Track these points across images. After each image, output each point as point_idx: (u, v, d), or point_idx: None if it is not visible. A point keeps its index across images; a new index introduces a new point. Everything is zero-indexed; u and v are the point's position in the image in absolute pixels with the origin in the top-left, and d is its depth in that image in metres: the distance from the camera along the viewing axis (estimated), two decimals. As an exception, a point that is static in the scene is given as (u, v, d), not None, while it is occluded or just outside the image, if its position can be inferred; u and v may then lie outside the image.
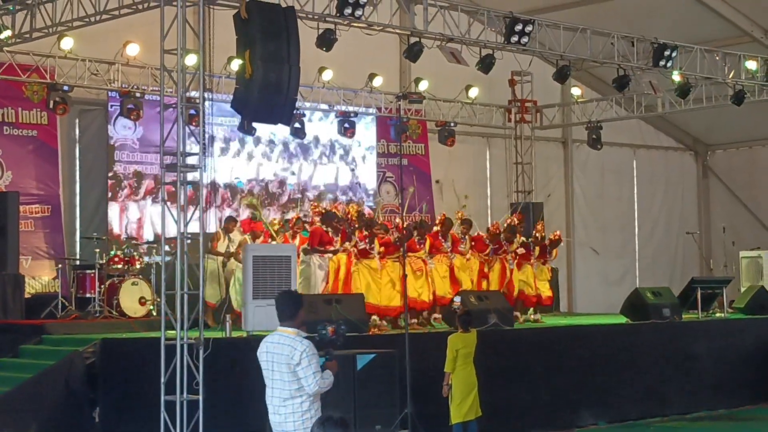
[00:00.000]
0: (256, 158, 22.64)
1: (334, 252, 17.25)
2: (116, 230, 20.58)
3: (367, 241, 17.38)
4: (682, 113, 26.69)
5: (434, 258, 18.42)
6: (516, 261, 19.76)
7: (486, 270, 19.24)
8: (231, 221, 18.67)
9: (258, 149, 22.62)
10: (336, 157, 23.79)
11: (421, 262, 18.06)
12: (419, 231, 18.36)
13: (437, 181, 25.33)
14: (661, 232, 29.98)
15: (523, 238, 20.26)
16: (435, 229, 18.89)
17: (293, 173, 23.11)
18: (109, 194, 20.64)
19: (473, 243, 19.18)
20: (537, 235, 20.49)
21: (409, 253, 17.80)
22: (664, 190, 30.23)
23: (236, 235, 18.03)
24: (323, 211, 18.05)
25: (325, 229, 17.40)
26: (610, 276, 28.52)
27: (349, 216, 17.76)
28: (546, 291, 20.28)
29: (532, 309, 19.92)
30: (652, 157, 30.01)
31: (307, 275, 17.34)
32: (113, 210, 20.69)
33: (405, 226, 18.04)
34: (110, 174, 20.68)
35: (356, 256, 17.30)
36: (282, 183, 22.95)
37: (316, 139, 23.44)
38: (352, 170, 23.99)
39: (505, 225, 20.04)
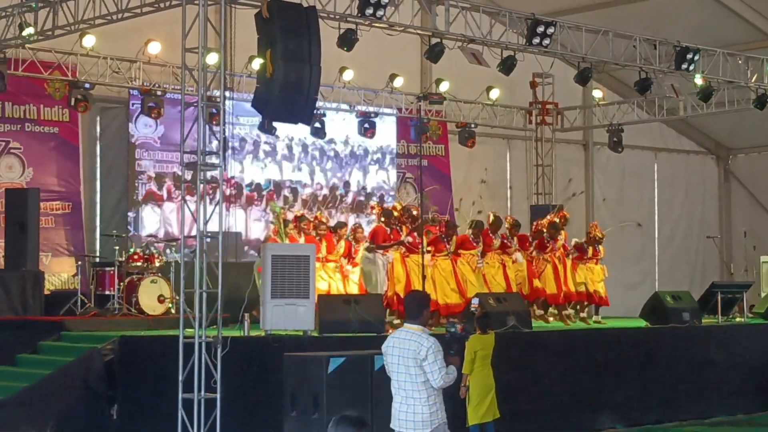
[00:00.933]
0: (280, 158, 22.69)
1: (399, 244, 17.46)
2: (136, 228, 20.63)
3: (415, 236, 17.53)
4: (704, 117, 26.59)
5: (485, 257, 18.49)
6: (572, 263, 19.80)
7: (534, 268, 19.27)
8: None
9: (280, 149, 22.66)
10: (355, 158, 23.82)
11: (474, 260, 18.18)
12: (474, 230, 18.54)
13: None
14: (681, 236, 29.85)
15: (575, 240, 20.24)
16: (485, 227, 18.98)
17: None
18: (129, 191, 20.69)
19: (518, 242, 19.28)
20: (590, 233, 20.42)
21: (463, 251, 17.92)
22: (685, 194, 30.10)
23: None
24: (384, 209, 18.27)
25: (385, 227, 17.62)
26: (629, 279, 28.39)
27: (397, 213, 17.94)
28: (601, 291, 20.26)
29: (594, 308, 20.08)
30: (673, 160, 29.89)
31: (370, 273, 17.49)
32: (133, 207, 20.73)
33: (446, 222, 18.30)
34: (130, 172, 20.73)
35: (404, 254, 17.43)
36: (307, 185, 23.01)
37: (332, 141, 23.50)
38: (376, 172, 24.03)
39: (547, 223, 19.98)
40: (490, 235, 18.82)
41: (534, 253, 19.46)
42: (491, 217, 19.15)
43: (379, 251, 17.57)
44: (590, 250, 20.19)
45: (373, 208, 19.00)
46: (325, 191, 23.15)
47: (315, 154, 23.14)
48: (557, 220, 20.02)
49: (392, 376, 8.65)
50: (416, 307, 8.73)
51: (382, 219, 17.96)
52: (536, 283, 19.22)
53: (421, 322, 8.61)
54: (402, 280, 17.55)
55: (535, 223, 20.25)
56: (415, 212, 18.00)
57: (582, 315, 20.03)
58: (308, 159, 23.06)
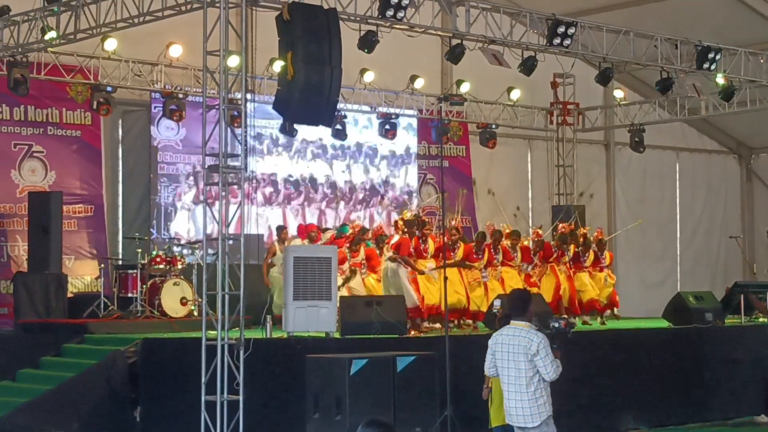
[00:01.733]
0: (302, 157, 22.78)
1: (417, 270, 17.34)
2: (159, 230, 20.70)
3: (420, 242, 17.50)
4: (726, 116, 26.47)
5: (488, 270, 18.40)
6: (569, 270, 19.65)
7: (533, 280, 19.10)
8: (282, 230, 18.90)
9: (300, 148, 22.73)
10: (377, 159, 23.84)
11: (478, 273, 18.08)
12: (477, 242, 18.45)
13: (474, 183, 25.20)
14: (702, 235, 29.73)
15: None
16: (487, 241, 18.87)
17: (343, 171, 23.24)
18: (152, 194, 20.76)
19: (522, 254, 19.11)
20: (581, 239, 20.08)
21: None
22: (707, 194, 29.98)
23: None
24: (406, 221, 18.06)
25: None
26: (651, 280, 28.33)
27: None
28: (603, 298, 20.03)
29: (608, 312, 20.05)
30: (695, 160, 29.78)
31: (397, 285, 17.34)
32: (156, 209, 20.79)
33: (477, 234, 18.31)
34: (152, 174, 20.79)
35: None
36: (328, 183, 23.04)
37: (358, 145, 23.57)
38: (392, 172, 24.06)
39: (558, 234, 19.90)
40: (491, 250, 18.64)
41: (538, 263, 19.32)
42: (491, 231, 19.04)
43: (401, 263, 17.43)
44: (590, 258, 20.00)
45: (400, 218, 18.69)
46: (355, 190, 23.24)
47: (338, 153, 23.23)
48: (567, 232, 19.97)
49: (501, 372, 9.23)
50: (522, 304, 9.31)
51: (405, 230, 17.78)
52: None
53: (527, 318, 9.18)
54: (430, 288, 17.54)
55: (534, 232, 20.05)
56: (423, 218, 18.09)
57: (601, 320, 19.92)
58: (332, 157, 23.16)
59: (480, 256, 18.26)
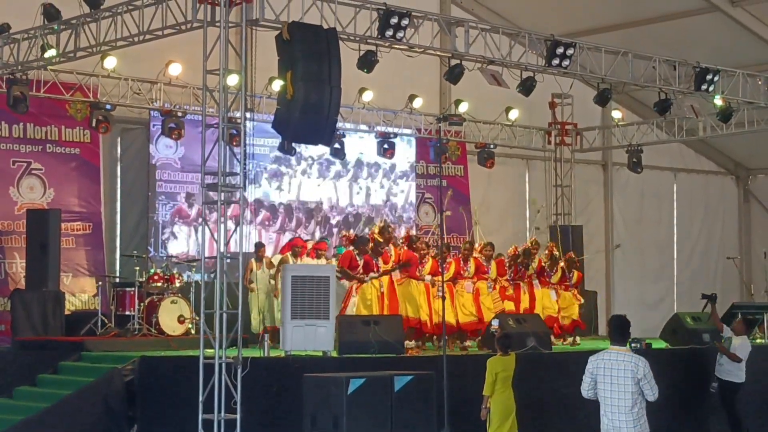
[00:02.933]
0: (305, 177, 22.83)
1: (357, 279, 17.15)
2: (156, 248, 20.71)
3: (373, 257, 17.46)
4: (724, 137, 26.52)
5: (457, 284, 18.37)
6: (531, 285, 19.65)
7: (508, 293, 19.07)
8: (260, 247, 18.98)
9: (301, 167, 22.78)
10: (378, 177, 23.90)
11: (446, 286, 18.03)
12: (442, 255, 18.29)
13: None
14: (700, 256, 29.76)
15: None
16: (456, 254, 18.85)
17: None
18: (150, 212, 20.77)
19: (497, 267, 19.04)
20: (548, 254, 20.14)
21: (436, 277, 17.84)
22: (704, 214, 30.03)
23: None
24: (354, 237, 18.03)
25: (356, 253, 17.36)
26: (648, 299, 28.35)
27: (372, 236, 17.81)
28: (566, 319, 19.99)
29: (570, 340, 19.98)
30: (692, 180, 29.83)
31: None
32: (154, 228, 20.80)
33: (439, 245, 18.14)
34: (151, 193, 20.80)
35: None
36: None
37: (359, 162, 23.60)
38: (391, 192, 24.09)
39: (523, 249, 19.90)
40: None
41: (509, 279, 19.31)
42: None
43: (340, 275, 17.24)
44: (556, 275, 20.00)
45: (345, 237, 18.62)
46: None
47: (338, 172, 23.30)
48: (530, 247, 19.97)
49: (603, 393, 9.72)
50: (621, 329, 10.03)
51: (351, 247, 17.61)
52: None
53: (625, 343, 9.96)
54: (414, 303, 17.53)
55: (512, 248, 20.00)
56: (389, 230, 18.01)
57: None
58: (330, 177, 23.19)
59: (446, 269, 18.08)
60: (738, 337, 17.41)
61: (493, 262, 18.92)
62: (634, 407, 9.57)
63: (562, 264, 20.14)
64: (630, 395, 9.56)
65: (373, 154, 23.56)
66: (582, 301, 20.62)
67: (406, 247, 17.81)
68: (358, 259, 17.13)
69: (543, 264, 19.96)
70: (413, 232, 20.78)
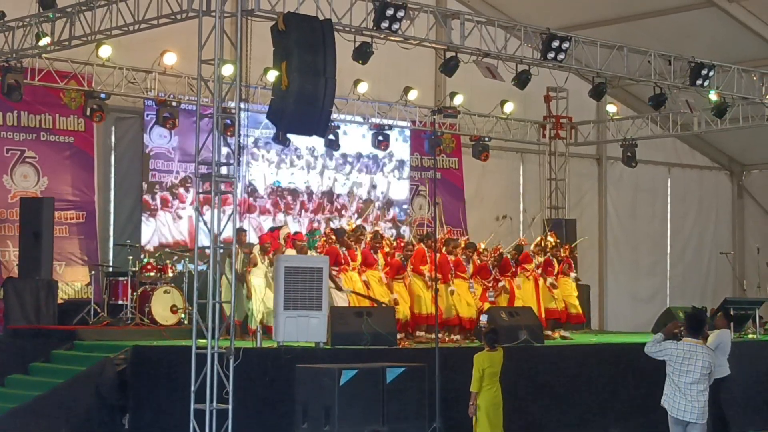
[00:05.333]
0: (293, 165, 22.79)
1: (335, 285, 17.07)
2: (149, 238, 20.67)
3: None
4: (718, 132, 26.53)
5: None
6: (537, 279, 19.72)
7: (488, 296, 18.99)
8: (240, 232, 18.70)
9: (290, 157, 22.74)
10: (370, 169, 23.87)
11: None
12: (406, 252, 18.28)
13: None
14: (693, 251, 29.77)
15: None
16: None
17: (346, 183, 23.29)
18: (144, 201, 20.73)
19: (479, 270, 18.93)
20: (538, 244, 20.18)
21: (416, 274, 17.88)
22: (698, 209, 30.04)
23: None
24: (332, 231, 18.05)
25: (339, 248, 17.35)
26: (641, 294, 28.38)
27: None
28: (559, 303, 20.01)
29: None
30: (686, 175, 29.85)
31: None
32: (147, 217, 20.77)
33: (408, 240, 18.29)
34: (144, 183, 20.76)
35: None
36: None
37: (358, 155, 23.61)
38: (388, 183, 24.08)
39: (515, 245, 19.90)
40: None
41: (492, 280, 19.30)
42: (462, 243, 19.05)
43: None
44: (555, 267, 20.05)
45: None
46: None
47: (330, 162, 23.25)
48: (522, 244, 20.00)
49: (678, 377, 11.00)
50: (698, 324, 11.15)
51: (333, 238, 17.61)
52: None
53: (701, 337, 11.35)
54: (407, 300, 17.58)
55: (494, 248, 19.79)
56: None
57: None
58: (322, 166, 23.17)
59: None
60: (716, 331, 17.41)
61: (471, 264, 18.83)
62: (704, 391, 11.00)
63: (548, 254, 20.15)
64: (702, 381, 10.94)
65: (367, 146, 23.52)
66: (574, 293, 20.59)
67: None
68: (343, 253, 17.19)
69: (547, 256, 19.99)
70: (404, 226, 20.77)
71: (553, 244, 20.31)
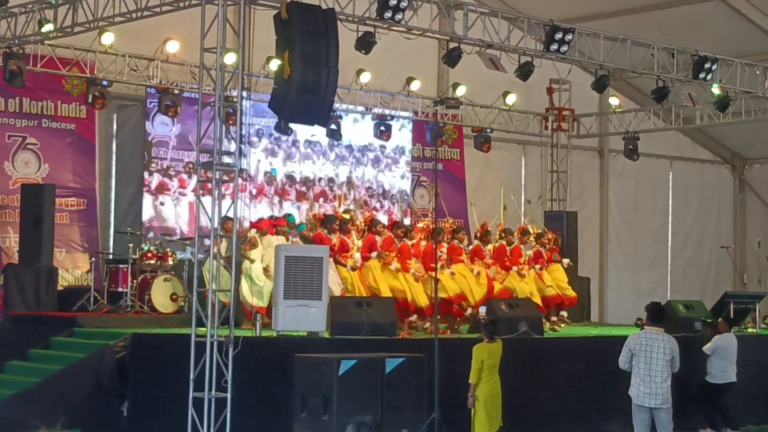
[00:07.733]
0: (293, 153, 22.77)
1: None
2: (150, 225, 20.68)
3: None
4: (720, 126, 26.53)
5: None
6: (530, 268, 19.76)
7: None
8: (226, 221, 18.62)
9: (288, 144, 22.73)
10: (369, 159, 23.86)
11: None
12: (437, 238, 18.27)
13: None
14: (694, 245, 29.78)
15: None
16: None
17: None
18: (145, 189, 20.73)
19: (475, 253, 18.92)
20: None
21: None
22: (699, 203, 30.04)
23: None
24: (323, 216, 17.98)
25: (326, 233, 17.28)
26: (642, 287, 28.34)
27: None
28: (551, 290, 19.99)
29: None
30: (688, 169, 29.83)
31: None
32: (148, 205, 20.76)
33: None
34: (146, 171, 20.75)
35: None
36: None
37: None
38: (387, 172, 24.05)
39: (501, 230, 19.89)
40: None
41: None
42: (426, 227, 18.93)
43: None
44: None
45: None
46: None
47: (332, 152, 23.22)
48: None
49: (639, 366, 11.89)
50: (658, 314, 12.23)
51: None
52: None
53: (662, 326, 12.14)
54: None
55: (481, 225, 19.71)
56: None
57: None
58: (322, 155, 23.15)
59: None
60: (718, 335, 17.43)
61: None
62: (667, 378, 11.79)
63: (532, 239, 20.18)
64: (664, 368, 11.75)
65: (369, 136, 23.49)
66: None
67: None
68: (331, 239, 17.13)
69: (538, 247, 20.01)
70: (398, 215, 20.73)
71: (536, 234, 20.28)
